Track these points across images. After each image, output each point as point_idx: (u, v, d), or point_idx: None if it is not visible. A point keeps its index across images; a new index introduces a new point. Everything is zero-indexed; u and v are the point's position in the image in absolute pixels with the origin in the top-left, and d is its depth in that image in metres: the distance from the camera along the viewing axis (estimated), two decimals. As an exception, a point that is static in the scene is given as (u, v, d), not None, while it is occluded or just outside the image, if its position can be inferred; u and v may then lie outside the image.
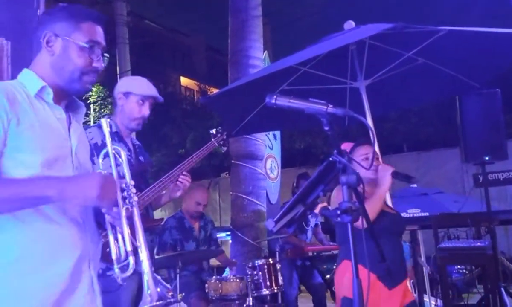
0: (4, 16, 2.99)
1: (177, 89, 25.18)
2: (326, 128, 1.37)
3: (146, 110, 2.73)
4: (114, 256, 1.59)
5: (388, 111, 6.16)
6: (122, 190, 1.57)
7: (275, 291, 4.10)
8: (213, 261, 5.05)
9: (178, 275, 3.62)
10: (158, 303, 1.45)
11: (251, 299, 3.89)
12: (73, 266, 1.48)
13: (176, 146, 17.31)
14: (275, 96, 1.43)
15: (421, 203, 7.04)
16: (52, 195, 1.38)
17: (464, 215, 4.43)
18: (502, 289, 4.14)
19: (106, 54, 1.65)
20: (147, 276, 1.51)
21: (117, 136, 2.68)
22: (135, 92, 2.72)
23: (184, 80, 27.24)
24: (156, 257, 3.71)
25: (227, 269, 5.35)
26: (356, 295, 1.39)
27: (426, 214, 6.10)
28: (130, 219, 1.57)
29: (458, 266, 7.72)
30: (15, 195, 1.36)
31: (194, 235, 4.53)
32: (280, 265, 4.26)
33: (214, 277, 4.14)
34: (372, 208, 2.53)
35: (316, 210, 4.97)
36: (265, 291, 4.00)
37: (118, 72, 10.88)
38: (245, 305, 3.88)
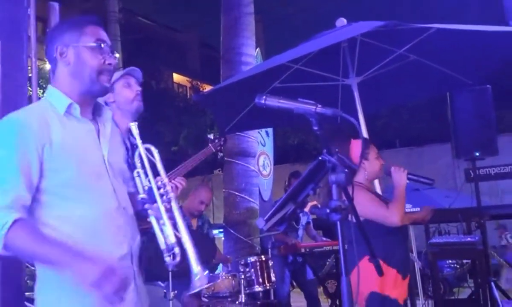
0: (-6, 15, 2.97)
1: (169, 86, 25.11)
2: (315, 128, 1.39)
3: (135, 87, 2.70)
4: (162, 246, 1.69)
5: (380, 108, 6.19)
6: (159, 188, 1.71)
7: (268, 288, 4.11)
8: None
9: (170, 273, 3.62)
10: (208, 285, 1.58)
11: (243, 296, 3.90)
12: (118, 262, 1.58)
13: (169, 143, 17.30)
14: (264, 97, 1.44)
15: (413, 199, 7.09)
16: (64, 268, 1.46)
17: (455, 211, 4.48)
18: (492, 284, 4.19)
19: (115, 53, 1.72)
20: (193, 262, 1.62)
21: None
22: (115, 79, 2.66)
23: (176, 77, 27.16)
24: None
25: (220, 267, 5.36)
26: (345, 294, 1.41)
27: (418, 209, 6.14)
28: (169, 211, 1.70)
29: (450, 261, 7.80)
30: (37, 254, 1.48)
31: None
32: (272, 262, 4.28)
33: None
34: (400, 208, 2.79)
35: (306, 209, 4.98)
36: (258, 288, 4.01)
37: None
38: (237, 302, 3.89)
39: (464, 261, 6.84)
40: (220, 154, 3.20)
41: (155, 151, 1.82)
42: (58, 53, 1.64)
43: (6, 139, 1.52)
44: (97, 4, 16.12)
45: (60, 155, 1.54)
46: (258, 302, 4.00)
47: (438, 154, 12.88)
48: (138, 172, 1.76)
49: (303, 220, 5.35)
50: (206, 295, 4.05)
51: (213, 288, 3.95)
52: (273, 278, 4.15)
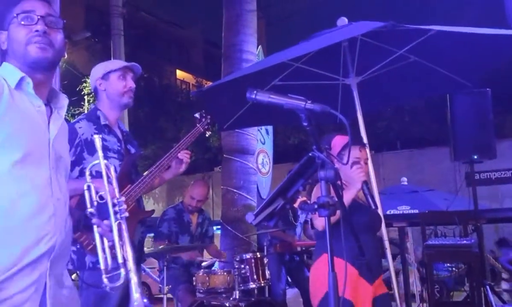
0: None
1: (172, 82, 25.13)
2: (305, 124, 1.39)
3: (130, 83, 2.67)
4: (102, 266, 1.64)
5: (380, 108, 6.20)
6: (114, 205, 1.64)
7: (262, 285, 4.12)
8: (206, 255, 5.07)
9: (165, 267, 3.64)
10: None
11: (237, 292, 3.91)
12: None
13: (171, 138, 17.32)
14: (255, 91, 1.45)
15: (411, 200, 7.11)
16: None
17: (452, 213, 4.48)
18: (488, 287, 4.19)
19: (51, 16, 1.62)
20: (134, 288, 1.59)
21: (106, 128, 2.63)
22: (112, 68, 2.66)
23: (180, 73, 27.18)
24: (146, 249, 3.72)
25: (217, 263, 5.37)
26: (331, 288, 1.41)
27: (416, 211, 6.16)
28: (119, 231, 1.63)
29: (448, 264, 7.80)
30: None
31: (190, 230, 4.54)
32: (267, 259, 4.29)
33: (201, 270, 4.16)
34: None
35: (296, 205, 4.96)
36: (252, 285, 4.02)
37: (112, 63, 10.81)
38: (231, 298, 3.90)
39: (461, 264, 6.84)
40: (208, 133, 3.15)
41: (112, 168, 1.78)
42: (1, 42, 1.62)
43: None
44: (101, -3, 16.15)
45: (5, 130, 1.46)
46: (252, 299, 4.00)
47: (439, 156, 12.85)
48: (88, 186, 1.69)
49: (302, 217, 5.34)
50: (201, 291, 4.07)
51: (207, 284, 3.97)
52: (267, 276, 4.16)
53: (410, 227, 5.45)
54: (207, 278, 3.98)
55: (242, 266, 4.04)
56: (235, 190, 6.11)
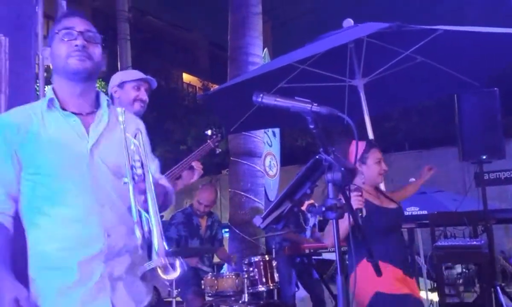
0: (2, 11, 3.00)
1: (179, 86, 25.18)
2: (311, 126, 1.39)
3: (143, 95, 2.75)
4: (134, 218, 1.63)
5: (387, 109, 6.18)
6: (132, 168, 1.62)
7: (271, 287, 4.11)
8: (215, 259, 5.07)
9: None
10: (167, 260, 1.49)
11: (246, 295, 3.91)
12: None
13: (178, 142, 17.36)
14: (261, 95, 1.45)
15: (420, 202, 7.06)
16: None
17: (461, 214, 4.44)
18: (498, 288, 4.15)
19: (90, 32, 1.74)
20: (156, 238, 1.54)
21: None
22: (129, 79, 2.75)
23: (186, 77, 27.23)
24: None
25: (225, 266, 5.37)
26: (340, 293, 1.41)
27: (425, 212, 6.12)
28: (143, 193, 1.60)
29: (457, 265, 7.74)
30: None
31: (200, 233, 4.56)
32: (276, 262, 4.28)
33: (210, 273, 4.16)
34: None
35: (303, 207, 4.95)
36: (261, 288, 4.01)
37: (119, 68, 10.86)
38: (240, 301, 3.90)
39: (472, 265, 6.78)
40: (218, 150, 3.23)
41: (139, 134, 1.71)
42: (47, 59, 1.78)
43: None
44: (106, 2, 16.22)
45: (35, 148, 1.62)
46: (261, 302, 4.00)
47: (448, 157, 12.75)
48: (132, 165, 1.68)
49: (311, 221, 5.33)
50: (209, 294, 4.07)
51: (216, 287, 3.97)
52: (276, 278, 4.15)
53: (419, 229, 5.42)
54: (215, 282, 3.98)
55: (251, 269, 4.04)
56: (242, 193, 6.11)
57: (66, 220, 1.60)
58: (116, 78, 2.83)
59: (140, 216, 1.60)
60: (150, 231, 1.55)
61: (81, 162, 1.64)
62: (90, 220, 1.61)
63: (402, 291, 2.60)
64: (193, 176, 2.91)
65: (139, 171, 1.60)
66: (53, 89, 1.74)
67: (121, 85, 2.76)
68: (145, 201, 1.58)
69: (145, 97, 2.75)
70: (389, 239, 2.68)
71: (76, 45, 1.68)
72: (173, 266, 1.49)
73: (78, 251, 1.59)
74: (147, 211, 1.56)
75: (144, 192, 1.58)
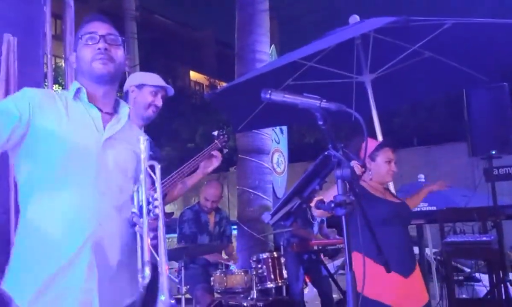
0: (11, 12, 3.03)
1: (186, 84, 25.24)
2: (320, 123, 1.39)
3: (159, 101, 2.79)
4: (139, 265, 1.66)
5: (395, 105, 6.17)
6: (148, 203, 1.67)
7: (280, 284, 4.11)
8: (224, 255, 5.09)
9: (183, 268, 3.66)
10: None
11: (255, 292, 3.92)
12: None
13: (185, 140, 17.40)
14: (269, 91, 1.45)
15: (429, 197, 6.97)
16: None
17: (470, 210, 4.42)
18: (508, 284, 4.13)
19: (111, 35, 1.80)
20: (162, 289, 1.57)
21: None
22: (149, 83, 2.78)
23: (193, 75, 27.28)
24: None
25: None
26: (349, 289, 1.41)
27: (434, 208, 6.08)
28: (154, 230, 1.65)
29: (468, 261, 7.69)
30: None
31: (208, 229, 4.59)
32: (284, 259, 4.28)
33: (219, 270, 4.18)
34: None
35: (312, 204, 4.95)
36: (270, 284, 4.02)
37: (126, 67, 10.90)
38: (249, 298, 3.91)
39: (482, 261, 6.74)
40: (225, 150, 3.25)
41: (157, 167, 1.79)
42: (72, 63, 1.84)
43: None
44: (114, 1, 16.27)
45: (53, 127, 1.65)
46: (270, 298, 4.00)
47: (457, 152, 12.67)
48: (138, 188, 1.73)
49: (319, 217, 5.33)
50: (218, 290, 4.08)
51: (225, 284, 3.98)
52: (285, 275, 4.15)
53: (428, 224, 5.38)
54: (224, 278, 3.99)
55: (259, 265, 4.04)
56: (250, 190, 6.12)
57: (65, 202, 1.63)
58: (135, 78, 2.86)
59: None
60: (157, 270, 1.57)
61: (92, 152, 1.69)
62: (86, 205, 1.64)
63: (378, 297, 2.52)
64: (210, 166, 2.95)
65: (157, 210, 1.65)
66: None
67: (140, 86, 2.78)
68: (154, 238, 1.63)
69: (160, 103, 2.80)
70: (384, 233, 2.61)
71: (99, 49, 1.74)
72: None
73: (71, 235, 1.61)
74: (156, 250, 1.60)
75: (155, 230, 1.62)
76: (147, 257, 1.62)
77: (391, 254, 2.41)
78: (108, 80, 1.77)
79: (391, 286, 2.55)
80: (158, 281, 1.59)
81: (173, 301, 1.56)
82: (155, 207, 1.66)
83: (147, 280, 1.62)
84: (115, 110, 1.83)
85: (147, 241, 1.63)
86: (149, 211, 1.65)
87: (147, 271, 1.61)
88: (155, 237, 1.64)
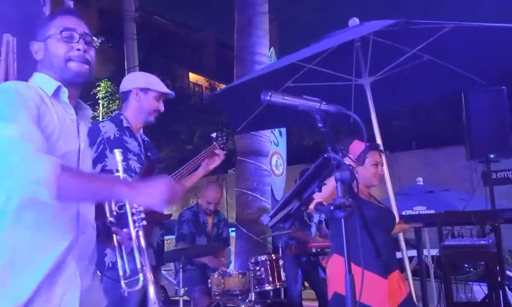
0: (11, 12, 3.02)
1: (185, 85, 25.23)
2: (320, 125, 1.39)
3: (161, 106, 2.82)
4: (120, 272, 1.73)
5: (393, 108, 6.18)
6: (132, 214, 1.72)
7: (278, 286, 4.11)
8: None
9: (181, 269, 3.66)
10: None
11: (253, 294, 3.91)
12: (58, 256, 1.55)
13: (184, 141, 17.40)
14: (269, 93, 1.45)
15: (427, 201, 7.03)
16: (122, 194, 1.49)
17: (469, 213, 4.41)
18: (506, 288, 4.13)
19: (94, 38, 1.73)
20: (152, 296, 1.65)
21: (128, 131, 2.73)
22: (154, 89, 2.79)
23: (192, 76, 27.27)
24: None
25: (232, 265, 5.38)
26: (348, 291, 1.40)
27: (432, 211, 6.10)
28: (137, 238, 1.72)
29: (466, 265, 7.70)
30: (90, 189, 1.46)
31: (206, 230, 4.60)
32: (282, 261, 4.27)
33: (217, 272, 4.17)
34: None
35: (311, 206, 4.94)
36: (268, 287, 4.01)
37: (126, 68, 10.91)
38: (247, 300, 3.90)
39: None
40: (224, 152, 3.27)
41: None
42: (34, 51, 1.70)
43: (8, 100, 1.51)
44: (113, 2, 16.27)
45: (47, 132, 1.55)
46: (268, 301, 4.00)
47: (455, 156, 12.69)
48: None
49: (316, 217, 5.31)
50: (216, 293, 4.07)
51: (223, 286, 3.97)
52: (283, 277, 4.14)
53: (426, 228, 5.39)
54: (222, 280, 3.98)
55: (257, 268, 4.04)
56: (249, 192, 6.12)
57: (49, 211, 1.53)
58: (139, 79, 2.85)
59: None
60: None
61: (74, 159, 1.64)
62: (71, 215, 1.59)
63: (363, 299, 2.52)
64: (212, 164, 2.97)
65: (144, 222, 1.72)
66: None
67: (145, 90, 2.78)
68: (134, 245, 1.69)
69: (163, 108, 2.83)
70: (383, 238, 2.63)
71: (78, 49, 1.66)
72: None
73: (59, 241, 1.55)
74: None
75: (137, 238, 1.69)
76: (138, 264, 1.68)
77: (373, 257, 2.43)
78: (82, 82, 1.70)
79: (371, 288, 2.54)
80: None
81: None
82: (140, 219, 1.72)
83: (140, 286, 1.69)
84: (77, 109, 1.74)
85: (136, 250, 1.70)
86: (134, 222, 1.72)
87: (141, 277, 1.68)
88: (138, 247, 1.70)
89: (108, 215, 1.74)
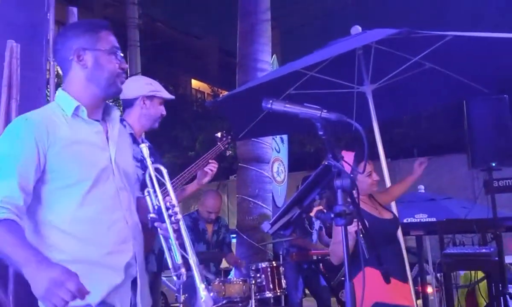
0: (15, 18, 3.05)
1: (188, 92, 25.29)
2: (321, 133, 1.40)
3: (164, 111, 2.86)
4: (170, 265, 1.77)
5: (395, 116, 6.19)
6: (167, 209, 1.75)
7: (278, 294, 4.11)
8: (224, 264, 5.07)
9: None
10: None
11: (253, 301, 3.91)
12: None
13: (186, 148, 17.39)
14: (271, 101, 1.46)
15: (429, 209, 7.01)
16: (23, 272, 1.44)
17: (470, 221, 4.41)
18: (508, 296, 4.11)
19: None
20: (199, 284, 1.68)
21: (131, 137, 2.73)
22: (159, 95, 2.82)
23: (195, 83, 27.34)
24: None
25: (232, 272, 5.37)
26: (348, 299, 1.41)
27: (433, 219, 6.08)
28: (177, 232, 1.75)
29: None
30: (2, 253, 1.47)
31: (206, 238, 4.58)
32: (283, 268, 4.27)
33: (217, 279, 4.17)
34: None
35: (312, 213, 4.94)
36: (268, 294, 4.01)
37: (128, 74, 10.97)
38: (247, 307, 3.90)
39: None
40: (229, 152, 3.28)
41: (164, 171, 1.87)
42: (75, 56, 1.68)
43: (10, 138, 1.60)
44: (117, 9, 16.35)
45: (66, 156, 1.60)
46: (268, 308, 4.00)
47: (457, 164, 12.67)
48: (148, 191, 1.80)
49: (316, 225, 5.31)
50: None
51: (223, 293, 3.97)
52: (284, 285, 4.14)
53: (427, 236, 5.37)
54: (223, 287, 3.98)
55: (258, 275, 4.04)
56: (250, 199, 6.12)
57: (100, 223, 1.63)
58: (144, 87, 2.85)
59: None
60: (190, 270, 1.68)
61: (107, 169, 1.68)
62: (120, 226, 1.67)
63: (401, 302, 2.59)
64: (205, 177, 2.97)
65: (178, 216, 1.76)
66: (69, 93, 1.70)
67: (151, 97, 2.81)
68: (179, 238, 1.72)
69: (165, 112, 2.87)
70: (386, 249, 2.65)
71: (123, 69, 1.74)
72: None
73: (119, 254, 1.65)
74: (184, 250, 1.70)
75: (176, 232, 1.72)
76: (179, 259, 1.71)
77: (393, 269, 2.49)
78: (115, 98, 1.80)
79: (390, 288, 2.58)
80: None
81: (212, 294, 1.67)
82: (175, 213, 1.75)
83: (184, 278, 1.72)
84: (104, 113, 1.79)
85: (175, 244, 1.72)
86: (170, 216, 1.74)
87: (183, 270, 1.72)
88: (179, 237, 1.73)
89: (150, 210, 1.78)
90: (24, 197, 1.53)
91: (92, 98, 1.71)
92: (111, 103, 1.85)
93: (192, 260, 1.69)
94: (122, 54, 1.79)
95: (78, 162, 1.62)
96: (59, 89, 1.75)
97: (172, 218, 1.74)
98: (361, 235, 2.29)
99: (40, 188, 1.60)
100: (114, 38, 1.76)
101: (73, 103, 1.68)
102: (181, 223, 1.76)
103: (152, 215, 1.76)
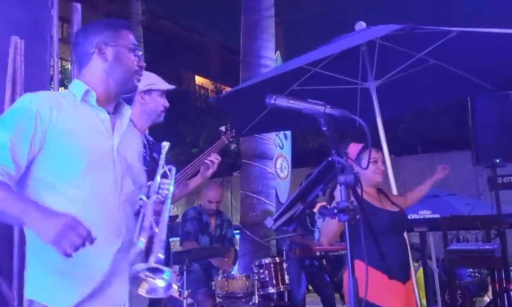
0: (19, 15, 3.06)
1: (191, 88, 25.31)
2: (324, 129, 1.39)
3: (166, 102, 2.81)
4: (135, 240, 1.69)
5: (399, 112, 6.19)
6: (161, 187, 1.76)
7: (281, 290, 4.11)
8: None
9: (185, 271, 3.67)
10: (154, 265, 1.54)
11: (257, 297, 3.91)
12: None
13: (190, 144, 17.42)
14: (274, 97, 1.46)
15: (433, 205, 7.01)
16: (25, 222, 1.48)
17: (474, 218, 4.41)
18: (511, 293, 4.11)
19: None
20: (155, 251, 1.60)
21: None
22: (156, 88, 2.78)
23: (198, 79, 27.37)
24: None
25: (236, 267, 5.38)
26: (352, 293, 1.41)
27: (437, 215, 6.08)
28: (158, 206, 1.72)
29: (471, 270, 7.67)
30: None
31: (209, 230, 4.62)
32: (286, 264, 4.28)
33: (220, 274, 4.18)
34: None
35: (315, 209, 4.96)
36: (271, 290, 4.02)
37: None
38: (251, 303, 3.90)
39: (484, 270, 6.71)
40: (233, 145, 3.29)
41: (173, 169, 1.90)
42: (97, 49, 1.73)
43: (14, 108, 1.65)
44: (121, 5, 16.36)
45: (64, 136, 1.61)
46: (272, 304, 4.01)
47: (461, 160, 12.59)
48: (150, 183, 1.80)
49: (319, 223, 5.31)
50: (220, 295, 4.08)
51: (226, 288, 3.98)
52: (287, 280, 4.15)
53: (431, 232, 5.37)
54: (226, 283, 3.99)
55: (261, 271, 4.04)
56: (253, 195, 6.13)
57: (92, 208, 1.62)
58: (140, 82, 2.83)
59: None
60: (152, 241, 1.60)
61: (108, 157, 1.69)
62: (114, 213, 1.66)
63: (383, 303, 2.50)
64: (208, 171, 2.96)
65: (165, 192, 1.73)
66: (84, 82, 1.73)
67: (148, 91, 2.77)
68: (157, 214, 1.67)
69: (167, 104, 2.81)
70: (385, 242, 2.62)
71: (141, 67, 1.78)
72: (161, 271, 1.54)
73: (106, 246, 1.62)
74: (157, 224, 1.64)
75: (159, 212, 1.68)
76: (147, 224, 1.65)
77: (391, 263, 2.45)
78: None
79: (393, 292, 2.55)
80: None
81: (162, 256, 1.58)
82: (167, 189, 1.73)
83: (139, 249, 1.63)
84: (116, 109, 1.82)
85: (149, 215, 1.66)
86: (159, 190, 1.72)
87: (142, 239, 1.63)
88: (157, 214, 1.69)
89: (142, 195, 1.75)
90: (15, 168, 1.55)
91: (106, 90, 1.74)
92: (123, 101, 1.87)
93: (158, 238, 1.62)
94: (140, 53, 1.83)
95: (74, 144, 1.62)
96: (75, 79, 1.78)
97: (160, 191, 1.73)
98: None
99: (36, 166, 1.60)
100: (133, 37, 1.82)
101: (83, 87, 1.71)
102: (168, 201, 1.74)
103: (142, 196, 1.74)
